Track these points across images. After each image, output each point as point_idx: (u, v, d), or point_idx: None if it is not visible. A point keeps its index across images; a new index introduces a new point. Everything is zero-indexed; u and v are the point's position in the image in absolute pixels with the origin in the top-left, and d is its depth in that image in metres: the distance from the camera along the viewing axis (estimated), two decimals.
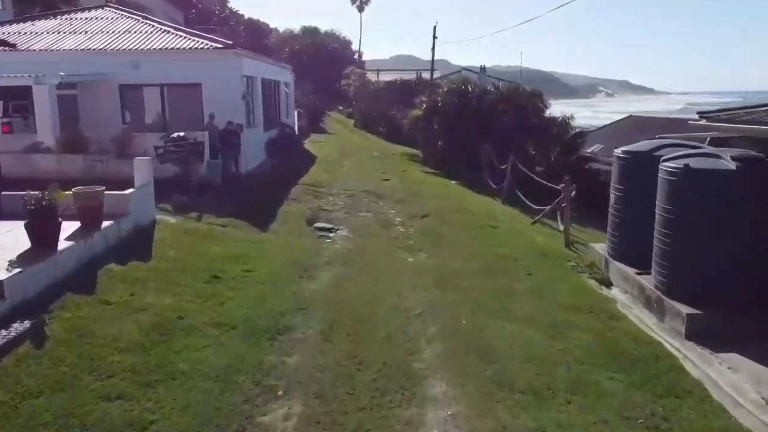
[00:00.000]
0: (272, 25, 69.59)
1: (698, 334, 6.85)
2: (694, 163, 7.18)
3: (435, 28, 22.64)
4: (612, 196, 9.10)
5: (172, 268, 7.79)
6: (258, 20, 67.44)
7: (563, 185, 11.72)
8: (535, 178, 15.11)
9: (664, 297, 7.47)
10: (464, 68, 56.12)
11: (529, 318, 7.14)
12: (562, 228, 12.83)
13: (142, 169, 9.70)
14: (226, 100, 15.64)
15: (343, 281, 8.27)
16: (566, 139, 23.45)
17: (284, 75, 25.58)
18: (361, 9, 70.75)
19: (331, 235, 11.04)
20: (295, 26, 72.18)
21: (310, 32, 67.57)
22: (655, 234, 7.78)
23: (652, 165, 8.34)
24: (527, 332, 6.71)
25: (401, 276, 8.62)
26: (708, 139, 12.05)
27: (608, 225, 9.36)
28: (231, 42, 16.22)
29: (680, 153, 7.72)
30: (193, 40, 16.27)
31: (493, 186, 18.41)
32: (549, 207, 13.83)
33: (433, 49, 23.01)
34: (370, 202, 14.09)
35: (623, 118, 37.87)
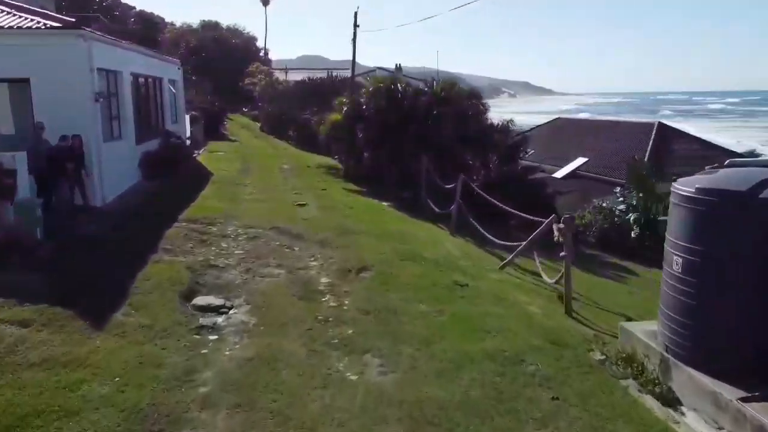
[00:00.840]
0: (168, 19, 63.54)
1: None
2: None
3: (356, 14, 18.86)
4: (677, 260, 5.61)
5: None
6: (151, 13, 61.19)
7: (562, 226, 8.22)
8: (501, 206, 11.66)
9: None
10: (378, 68, 52.86)
11: None
12: (548, 279, 9.44)
13: None
14: (69, 102, 11.01)
15: None
16: (508, 145, 20.46)
17: (169, 71, 20.74)
18: (265, 2, 65.55)
19: (220, 321, 6.86)
20: (194, 20, 66.20)
21: (211, 27, 62.28)
22: None
23: (763, 212, 5.00)
24: None
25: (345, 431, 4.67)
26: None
27: (664, 303, 5.90)
28: (74, 19, 11.46)
29: None
30: (19, 17, 11.37)
31: (436, 209, 14.87)
32: (523, 244, 10.45)
33: (354, 39, 19.25)
34: (282, 247, 9.97)
35: (552, 120, 35.95)
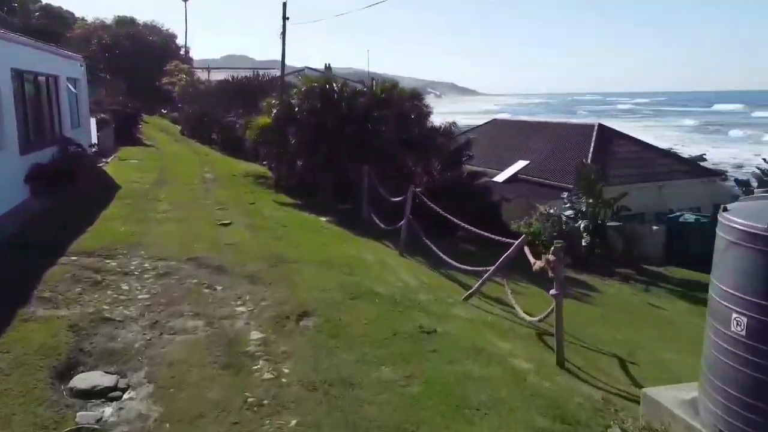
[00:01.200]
0: (78, 14, 58.91)
1: None
2: None
3: (285, 4, 16.81)
4: (739, 319, 4.19)
5: None
6: (59, 7, 56.47)
7: (552, 257, 6.73)
8: (455, 220, 10.18)
9: None
10: (307, 68, 50.73)
11: None
12: (527, 317, 7.98)
13: None
14: None
15: None
16: (451, 149, 19.24)
17: (69, 68, 18.01)
18: None
19: (107, 415, 4.86)
20: (108, 16, 61.61)
21: (126, 23, 58.24)
22: None
23: None
24: None
25: None
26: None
27: (715, 372, 4.48)
28: None
29: None
30: None
31: (381, 225, 13.23)
32: (490, 271, 8.99)
33: (283, 33, 17.29)
34: (200, 287, 7.99)
35: (487, 122, 35.27)
